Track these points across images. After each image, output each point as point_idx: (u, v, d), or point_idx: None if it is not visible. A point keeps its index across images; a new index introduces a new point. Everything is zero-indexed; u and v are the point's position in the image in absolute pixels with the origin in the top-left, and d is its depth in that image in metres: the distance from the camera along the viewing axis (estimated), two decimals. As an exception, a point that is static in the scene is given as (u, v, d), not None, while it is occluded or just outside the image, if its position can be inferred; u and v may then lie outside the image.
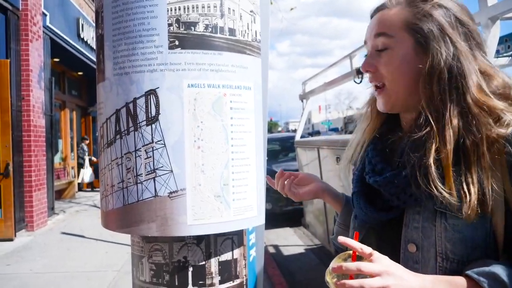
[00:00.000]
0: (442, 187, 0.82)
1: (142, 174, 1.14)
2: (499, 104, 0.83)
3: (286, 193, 1.34)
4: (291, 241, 5.66)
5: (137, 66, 1.14)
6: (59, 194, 11.96)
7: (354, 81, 3.20)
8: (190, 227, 1.14)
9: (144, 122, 1.14)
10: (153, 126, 1.13)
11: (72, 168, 14.16)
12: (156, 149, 1.13)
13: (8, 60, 6.69)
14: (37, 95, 7.40)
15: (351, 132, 1.33)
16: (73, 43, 10.61)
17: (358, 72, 3.02)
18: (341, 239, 0.92)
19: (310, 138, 4.60)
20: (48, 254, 4.81)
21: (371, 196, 1.06)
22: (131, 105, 1.15)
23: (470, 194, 0.79)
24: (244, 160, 1.23)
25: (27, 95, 7.08)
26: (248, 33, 1.23)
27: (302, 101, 4.77)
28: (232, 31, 1.19)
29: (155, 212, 1.13)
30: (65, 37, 9.96)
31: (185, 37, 1.13)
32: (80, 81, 15.12)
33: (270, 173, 1.53)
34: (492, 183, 0.79)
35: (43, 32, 8.33)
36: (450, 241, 0.82)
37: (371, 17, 1.01)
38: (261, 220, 1.31)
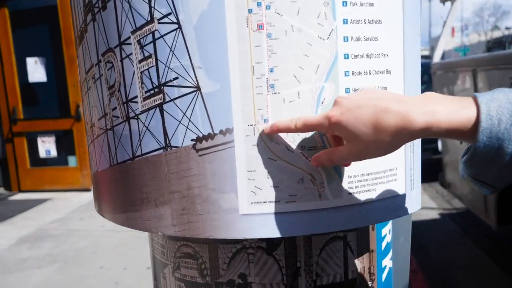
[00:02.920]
0: None
1: (137, 97, 0.58)
2: None
3: None
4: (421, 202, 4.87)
5: None
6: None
7: None
8: (246, 220, 0.56)
9: (134, -26, 0.55)
10: (152, -20, 0.54)
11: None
12: (161, 36, 0.55)
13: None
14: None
15: None
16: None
17: None
18: None
19: (461, 58, 3.57)
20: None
21: None
22: None
23: None
24: (376, 60, 0.57)
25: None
26: None
27: (444, 3, 3.71)
28: None
29: (168, 184, 0.58)
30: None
31: None
32: None
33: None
34: None
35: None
36: None
37: None
38: (415, 204, 0.67)
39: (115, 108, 0.60)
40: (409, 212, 0.66)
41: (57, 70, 5.04)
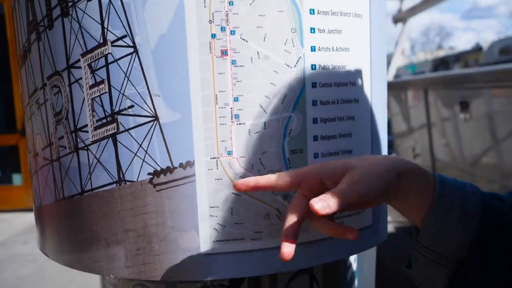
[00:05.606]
0: None
1: (87, 126, 0.52)
2: None
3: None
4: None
5: None
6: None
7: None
8: (208, 260, 0.52)
9: (85, -8, 0.50)
10: (106, -1, 0.49)
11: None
12: (115, 60, 0.50)
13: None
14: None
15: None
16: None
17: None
18: None
19: (413, 77, 3.71)
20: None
21: None
22: (53, -49, 0.52)
23: None
24: (343, 89, 0.55)
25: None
26: None
27: (396, 24, 3.86)
28: None
29: (121, 222, 0.52)
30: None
31: None
32: None
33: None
34: None
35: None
36: None
37: None
38: (382, 235, 0.65)
39: (62, 137, 0.55)
40: (376, 244, 0.64)
41: (2, 82, 4.77)
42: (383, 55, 0.61)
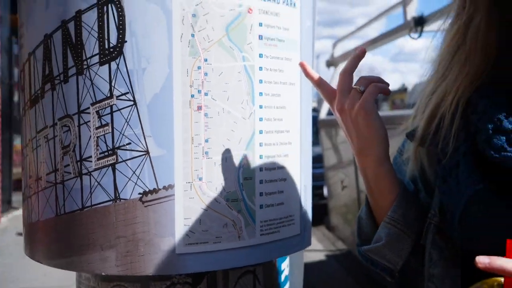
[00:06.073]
0: None
1: (91, 157, 0.70)
2: None
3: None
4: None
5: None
6: (19, 184, 11.56)
7: (410, 35, 2.73)
8: (182, 259, 0.70)
9: (97, 58, 0.69)
10: (114, 64, 0.68)
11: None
12: (119, 109, 0.68)
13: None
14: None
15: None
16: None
17: (418, 23, 2.53)
18: (483, 260, 0.49)
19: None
20: None
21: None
22: (71, 26, 0.70)
23: None
24: (281, 134, 0.78)
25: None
26: None
27: (329, 67, 4.30)
28: None
29: (114, 231, 0.69)
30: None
31: None
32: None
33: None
34: None
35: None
36: None
37: None
38: (307, 242, 0.87)
39: (68, 165, 0.71)
40: (303, 248, 0.86)
41: None
42: (309, 110, 0.85)
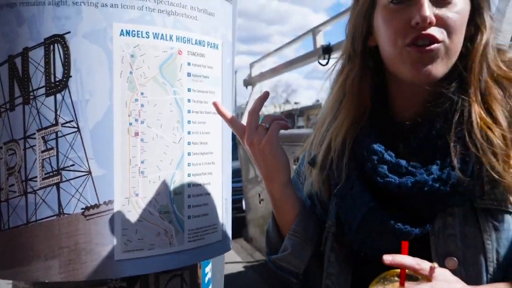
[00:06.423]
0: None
1: (36, 177, 0.78)
2: None
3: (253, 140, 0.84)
4: (227, 257, 5.32)
5: (31, -6, 0.78)
6: None
7: (319, 62, 3.04)
8: (120, 264, 0.81)
9: (43, 90, 0.78)
10: (59, 96, 0.78)
11: None
12: (64, 135, 0.78)
13: None
14: None
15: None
16: None
17: (325, 51, 2.85)
18: (388, 257, 0.68)
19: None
20: None
21: (393, 209, 0.83)
22: (18, 60, 0.78)
23: None
24: (206, 156, 0.92)
25: None
26: (215, -38, 0.93)
27: (246, 87, 4.53)
28: (192, -46, 0.87)
29: (58, 242, 0.78)
30: None
31: (117, -48, 0.79)
32: None
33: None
34: None
35: None
36: (501, 244, 0.73)
37: None
38: (227, 247, 1.02)
39: (13, 184, 0.79)
40: (224, 252, 1.00)
41: None
42: (229, 135, 1.01)
